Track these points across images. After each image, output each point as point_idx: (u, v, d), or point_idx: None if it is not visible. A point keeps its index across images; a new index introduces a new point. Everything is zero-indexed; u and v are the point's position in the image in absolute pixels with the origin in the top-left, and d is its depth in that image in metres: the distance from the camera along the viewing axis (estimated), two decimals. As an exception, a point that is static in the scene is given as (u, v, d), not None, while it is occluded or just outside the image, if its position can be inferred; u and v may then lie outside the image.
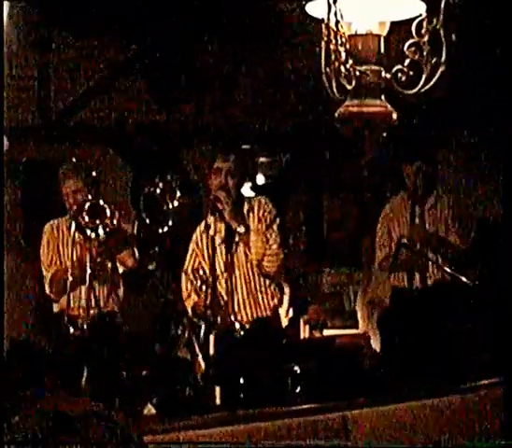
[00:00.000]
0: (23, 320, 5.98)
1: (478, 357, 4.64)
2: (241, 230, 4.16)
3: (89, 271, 4.44)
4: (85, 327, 4.54)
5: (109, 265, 4.62)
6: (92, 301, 4.52)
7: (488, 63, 4.76)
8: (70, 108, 6.90)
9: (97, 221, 4.36)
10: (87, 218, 4.35)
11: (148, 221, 6.07)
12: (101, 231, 4.37)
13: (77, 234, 4.51)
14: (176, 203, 6.01)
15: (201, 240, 4.28)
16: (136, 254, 4.67)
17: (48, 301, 4.77)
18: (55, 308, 4.64)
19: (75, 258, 4.50)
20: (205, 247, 4.23)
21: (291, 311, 6.26)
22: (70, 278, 4.43)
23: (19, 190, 6.57)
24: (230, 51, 6.86)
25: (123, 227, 4.63)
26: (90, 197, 4.42)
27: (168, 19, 6.05)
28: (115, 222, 4.39)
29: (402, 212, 5.03)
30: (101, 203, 4.39)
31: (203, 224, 4.30)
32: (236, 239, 4.17)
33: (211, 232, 4.17)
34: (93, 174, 4.56)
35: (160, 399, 4.63)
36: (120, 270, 4.70)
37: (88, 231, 4.38)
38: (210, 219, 4.20)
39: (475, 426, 3.18)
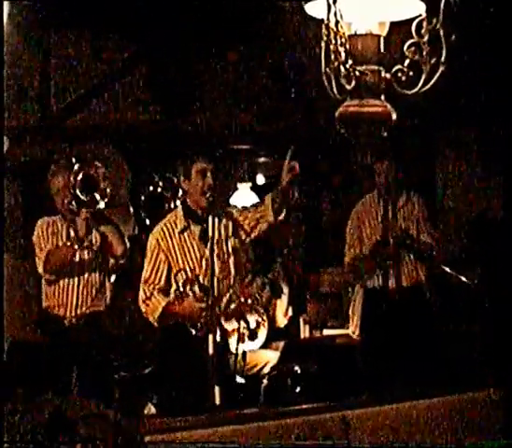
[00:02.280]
0: (23, 320, 5.99)
1: (477, 358, 4.65)
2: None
3: (78, 255, 4.47)
4: (70, 324, 4.57)
5: (97, 258, 4.62)
6: (80, 297, 4.55)
7: (488, 62, 4.76)
8: (70, 108, 6.90)
9: (90, 195, 4.35)
10: (80, 191, 4.33)
11: (147, 221, 6.07)
12: (102, 203, 4.36)
13: (68, 228, 4.53)
14: (178, 202, 5.99)
15: (172, 241, 4.19)
16: (127, 244, 4.64)
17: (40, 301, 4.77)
18: (43, 303, 4.64)
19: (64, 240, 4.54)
20: (181, 250, 4.18)
21: (290, 310, 6.25)
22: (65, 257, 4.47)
23: (19, 190, 6.57)
24: (231, 51, 6.86)
25: (117, 200, 4.65)
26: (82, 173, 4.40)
27: (168, 19, 6.05)
28: (108, 191, 4.37)
29: (372, 212, 5.04)
30: (94, 174, 4.38)
31: (169, 224, 4.23)
32: (217, 243, 4.12)
33: (187, 235, 4.17)
34: (84, 170, 4.52)
35: (160, 399, 4.64)
36: (111, 260, 4.67)
37: (81, 195, 4.35)
38: (185, 222, 4.18)
39: (474, 425, 3.18)
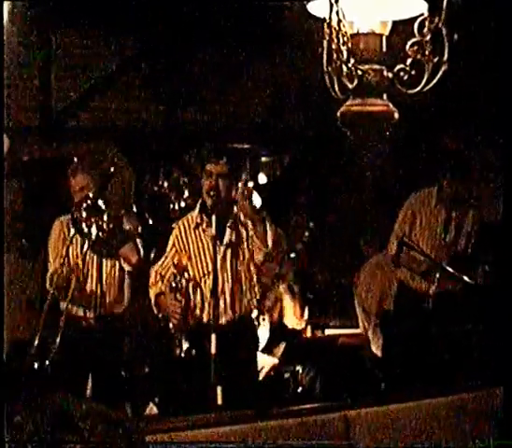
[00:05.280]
0: (24, 320, 5.98)
1: (478, 358, 4.64)
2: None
3: (86, 268, 4.48)
4: (88, 324, 4.57)
5: (112, 263, 4.63)
6: (98, 301, 4.54)
7: (491, 62, 4.75)
8: (71, 108, 6.90)
9: (92, 219, 4.38)
10: (84, 215, 4.37)
11: (151, 221, 6.06)
12: (94, 230, 4.38)
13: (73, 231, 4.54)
14: (182, 204, 5.99)
15: (186, 238, 4.28)
16: (141, 251, 4.66)
17: (54, 300, 4.76)
18: (62, 304, 4.65)
19: (72, 254, 4.53)
20: (194, 246, 4.25)
21: (306, 313, 6.11)
22: (69, 275, 4.47)
23: (19, 190, 6.57)
24: (231, 51, 6.86)
25: (125, 225, 4.66)
26: (91, 195, 4.43)
27: (169, 18, 6.04)
28: (111, 225, 4.41)
29: (427, 210, 5.04)
30: (100, 202, 4.40)
31: (186, 221, 4.32)
32: (227, 241, 4.17)
33: (201, 232, 4.22)
34: (102, 171, 4.57)
35: (161, 399, 4.63)
36: (126, 268, 4.69)
37: (84, 227, 4.39)
38: (199, 219, 4.23)
39: (474, 425, 3.18)
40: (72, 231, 4.53)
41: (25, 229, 6.36)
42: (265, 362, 5.43)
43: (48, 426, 1.38)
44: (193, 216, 4.31)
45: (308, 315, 6.11)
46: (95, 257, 4.56)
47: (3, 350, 4.19)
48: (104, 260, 4.60)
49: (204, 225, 4.24)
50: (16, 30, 5.94)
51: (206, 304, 4.14)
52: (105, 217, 4.39)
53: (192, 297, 4.19)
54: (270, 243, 4.17)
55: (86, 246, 4.46)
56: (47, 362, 4.37)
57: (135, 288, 4.78)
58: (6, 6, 4.61)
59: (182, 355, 4.10)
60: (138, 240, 4.70)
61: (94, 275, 4.60)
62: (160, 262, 4.36)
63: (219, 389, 3.55)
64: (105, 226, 4.39)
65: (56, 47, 6.81)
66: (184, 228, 4.31)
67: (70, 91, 6.85)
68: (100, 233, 4.39)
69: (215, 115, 7.12)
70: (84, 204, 4.37)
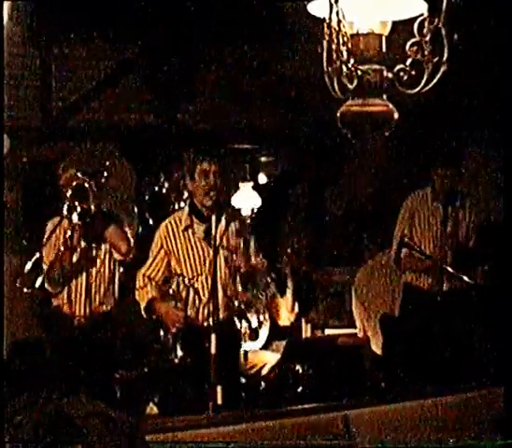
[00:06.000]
0: (24, 320, 5.99)
1: (478, 358, 4.63)
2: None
3: (75, 256, 4.47)
4: (79, 323, 4.57)
5: (102, 251, 4.61)
6: (87, 297, 4.53)
7: (491, 62, 4.75)
8: (71, 108, 6.90)
9: (76, 202, 4.38)
10: (69, 194, 4.37)
11: (151, 221, 6.06)
12: (75, 216, 4.38)
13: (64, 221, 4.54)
14: (182, 204, 5.97)
15: (175, 239, 4.25)
16: (131, 240, 4.63)
17: (48, 300, 4.76)
18: (54, 302, 4.64)
19: (62, 244, 4.52)
20: (184, 248, 4.21)
21: (296, 306, 6.17)
22: (63, 265, 4.47)
23: (19, 190, 6.57)
24: (231, 51, 6.86)
25: (113, 212, 4.68)
26: (79, 175, 4.43)
27: (169, 18, 6.04)
28: (98, 206, 4.41)
29: (425, 209, 5.05)
30: (86, 185, 4.41)
31: (173, 222, 4.28)
32: (220, 241, 4.15)
33: (191, 233, 4.20)
34: (92, 166, 4.57)
35: (161, 399, 4.63)
36: (117, 258, 4.64)
37: (64, 210, 4.40)
38: (189, 220, 4.20)
39: (474, 425, 3.18)
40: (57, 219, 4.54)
41: (25, 229, 6.36)
42: (268, 359, 5.44)
43: (48, 426, 1.38)
44: (182, 217, 4.25)
45: (302, 311, 6.14)
46: (84, 244, 4.53)
47: (3, 350, 4.20)
48: (94, 252, 4.58)
49: (194, 227, 4.21)
50: (16, 30, 5.94)
51: (201, 305, 4.13)
52: (89, 199, 4.39)
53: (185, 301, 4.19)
54: (252, 256, 4.17)
55: (73, 232, 4.46)
56: (44, 361, 4.38)
57: (126, 283, 4.76)
58: (6, 6, 4.61)
59: (176, 360, 4.10)
60: (128, 229, 4.67)
61: (84, 269, 4.57)
62: (147, 265, 4.31)
63: (219, 389, 3.55)
64: (90, 208, 4.38)
65: (56, 46, 6.81)
66: (171, 229, 4.26)
67: (70, 90, 6.85)
68: (84, 217, 4.38)
69: (215, 114, 7.12)
70: (72, 184, 4.38)
